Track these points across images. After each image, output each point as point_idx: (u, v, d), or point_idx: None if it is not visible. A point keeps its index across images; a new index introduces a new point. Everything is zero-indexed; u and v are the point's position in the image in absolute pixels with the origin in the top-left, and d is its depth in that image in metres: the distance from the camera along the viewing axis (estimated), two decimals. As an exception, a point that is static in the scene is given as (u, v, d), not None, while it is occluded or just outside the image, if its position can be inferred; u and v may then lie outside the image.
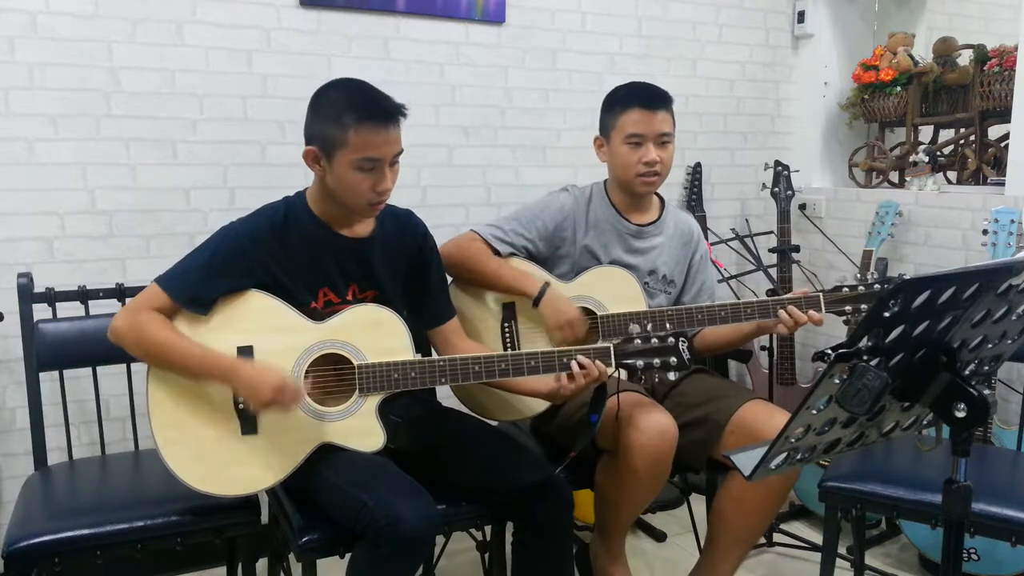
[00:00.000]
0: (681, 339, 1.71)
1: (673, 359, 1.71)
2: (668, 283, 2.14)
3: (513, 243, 2.05)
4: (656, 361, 1.71)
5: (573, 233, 2.08)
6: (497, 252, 2.04)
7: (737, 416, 1.91)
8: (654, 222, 2.13)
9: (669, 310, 1.98)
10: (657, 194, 2.18)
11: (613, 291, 2.03)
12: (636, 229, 2.11)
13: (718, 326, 2.00)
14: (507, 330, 2.04)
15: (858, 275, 1.98)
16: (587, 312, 2.03)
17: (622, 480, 1.87)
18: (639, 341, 1.72)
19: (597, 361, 1.71)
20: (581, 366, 1.70)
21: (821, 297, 1.93)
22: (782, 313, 1.90)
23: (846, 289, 1.94)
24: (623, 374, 1.75)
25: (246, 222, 1.72)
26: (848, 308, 1.93)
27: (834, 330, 2.98)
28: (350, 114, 1.62)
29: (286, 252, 1.71)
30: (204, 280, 1.65)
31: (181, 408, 1.64)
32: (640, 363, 1.71)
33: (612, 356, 1.73)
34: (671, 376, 1.72)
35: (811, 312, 1.91)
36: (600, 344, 1.75)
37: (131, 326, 1.63)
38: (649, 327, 1.80)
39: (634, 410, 1.84)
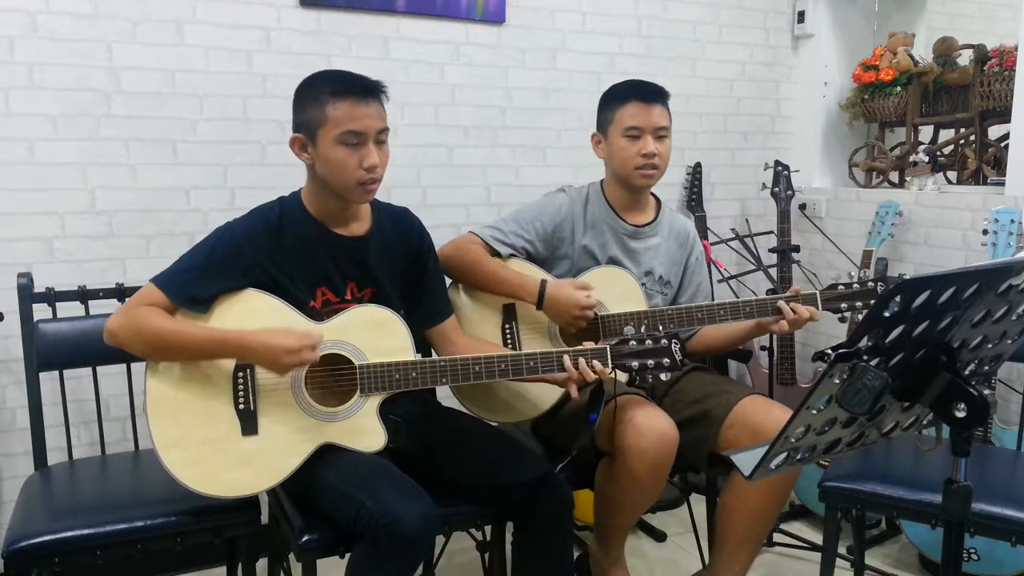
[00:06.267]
0: (674, 340, 1.74)
1: (666, 360, 1.74)
2: (664, 284, 2.14)
3: (513, 244, 2.05)
4: (650, 362, 1.74)
5: (572, 233, 2.08)
6: (497, 253, 2.04)
7: (736, 410, 1.92)
8: (650, 223, 2.13)
9: (669, 310, 1.99)
10: (654, 195, 2.18)
11: (613, 291, 2.04)
12: (632, 229, 2.11)
13: (717, 326, 2.01)
14: (508, 331, 2.04)
15: (851, 273, 1.98)
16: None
17: (622, 484, 1.87)
18: (634, 343, 1.74)
19: (595, 362, 1.72)
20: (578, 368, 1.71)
21: (818, 295, 1.94)
22: (782, 304, 1.91)
23: (841, 287, 1.95)
24: (620, 375, 1.76)
25: (242, 222, 1.72)
26: (844, 306, 1.94)
27: (834, 330, 2.98)
28: (326, 91, 1.64)
29: (282, 252, 1.71)
30: (201, 280, 1.65)
31: (180, 410, 1.63)
32: (635, 364, 1.74)
33: (608, 357, 1.74)
34: (664, 377, 1.75)
35: (809, 308, 1.92)
36: (597, 345, 1.76)
37: (127, 323, 1.63)
38: (644, 328, 1.82)
39: (634, 413, 1.84)
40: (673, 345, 1.73)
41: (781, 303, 1.92)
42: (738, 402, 1.93)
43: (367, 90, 1.66)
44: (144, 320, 1.62)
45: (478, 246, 2.03)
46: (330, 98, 1.63)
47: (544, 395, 1.97)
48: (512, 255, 2.05)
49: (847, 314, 1.95)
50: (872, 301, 1.93)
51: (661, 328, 1.94)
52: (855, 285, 1.95)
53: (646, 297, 2.06)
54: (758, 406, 1.91)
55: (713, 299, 2.19)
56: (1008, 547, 1.75)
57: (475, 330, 2.04)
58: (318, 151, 1.67)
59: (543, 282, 1.98)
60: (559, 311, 1.96)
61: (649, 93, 2.03)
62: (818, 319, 1.93)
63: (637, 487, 1.85)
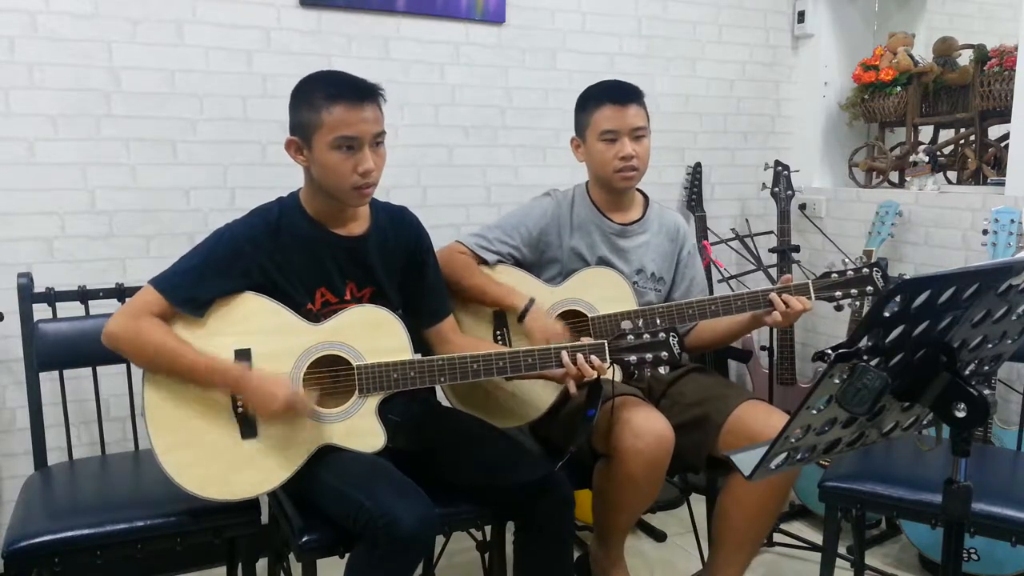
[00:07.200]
0: (672, 334, 1.73)
1: (664, 353, 1.73)
2: (657, 281, 2.14)
3: (499, 251, 2.05)
4: (648, 356, 1.73)
5: (558, 237, 2.08)
6: (484, 261, 2.04)
7: (734, 416, 1.91)
8: (638, 220, 2.13)
9: (660, 307, 1.98)
10: (642, 192, 2.18)
11: (603, 292, 2.03)
12: (619, 228, 2.11)
13: (712, 321, 2.00)
14: (499, 337, 2.04)
15: (845, 260, 1.98)
16: (578, 314, 2.03)
17: (619, 484, 1.87)
18: (631, 337, 1.74)
19: (593, 357, 1.72)
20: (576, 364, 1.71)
21: (810, 285, 1.93)
22: (774, 296, 1.90)
23: (835, 275, 1.95)
24: (617, 371, 1.76)
25: (241, 223, 1.72)
26: (838, 294, 1.93)
27: (834, 329, 2.99)
28: (321, 95, 1.62)
29: (282, 252, 1.71)
30: (199, 281, 1.65)
31: (179, 414, 1.63)
32: (633, 358, 1.73)
33: (607, 352, 1.73)
34: (662, 371, 1.74)
35: (801, 298, 1.91)
36: (595, 341, 1.75)
37: (129, 332, 1.62)
38: (640, 324, 1.82)
39: (630, 414, 1.84)
40: (671, 339, 1.73)
41: (773, 295, 1.92)
42: (737, 407, 1.92)
43: (362, 93, 1.64)
44: (146, 334, 1.61)
45: (465, 256, 2.03)
46: (324, 102, 1.62)
47: (542, 397, 1.97)
48: (499, 261, 2.05)
49: (843, 302, 1.94)
50: (867, 287, 1.93)
51: (658, 323, 1.94)
52: (848, 272, 1.94)
53: (637, 296, 2.05)
54: (757, 412, 1.90)
55: (711, 294, 2.19)
56: (1008, 547, 1.75)
57: (467, 335, 2.03)
58: (313, 155, 1.66)
59: (531, 300, 1.97)
60: (537, 331, 1.95)
61: (623, 94, 2.02)
62: (811, 308, 1.92)
63: (634, 488, 1.85)
